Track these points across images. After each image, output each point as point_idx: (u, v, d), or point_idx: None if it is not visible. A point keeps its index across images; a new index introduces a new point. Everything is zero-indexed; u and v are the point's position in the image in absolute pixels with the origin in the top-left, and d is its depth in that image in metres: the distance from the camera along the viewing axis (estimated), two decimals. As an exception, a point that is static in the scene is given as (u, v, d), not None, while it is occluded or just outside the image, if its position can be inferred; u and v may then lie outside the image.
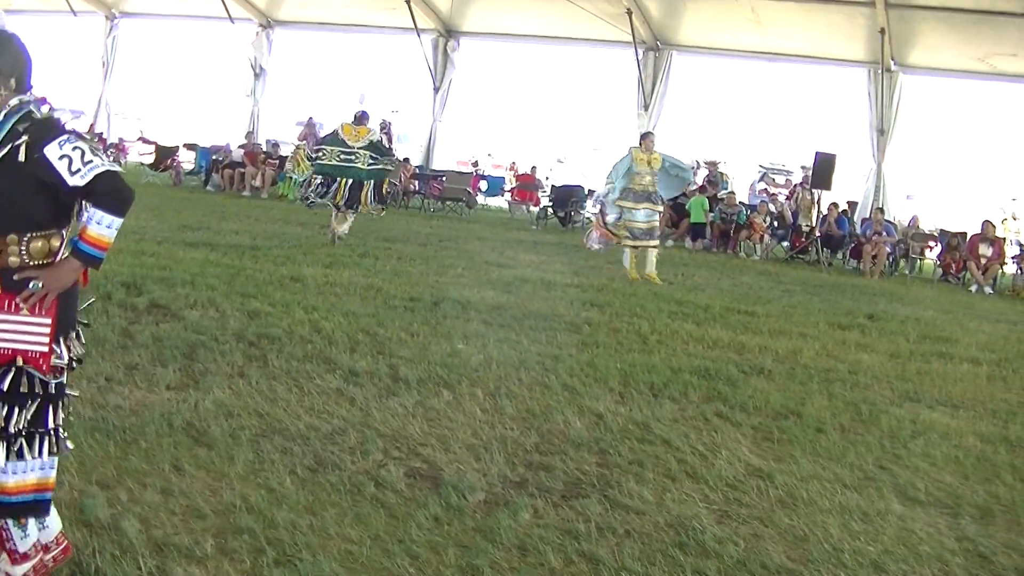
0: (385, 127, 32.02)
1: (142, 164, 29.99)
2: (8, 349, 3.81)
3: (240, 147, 28.87)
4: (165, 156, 29.28)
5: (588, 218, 17.15)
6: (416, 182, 28.00)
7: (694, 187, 25.32)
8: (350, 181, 15.93)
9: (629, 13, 26.11)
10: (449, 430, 6.48)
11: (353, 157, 16.05)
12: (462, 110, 32.63)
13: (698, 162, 29.16)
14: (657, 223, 15.85)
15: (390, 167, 17.02)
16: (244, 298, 10.27)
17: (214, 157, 28.66)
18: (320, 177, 16.10)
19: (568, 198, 26.26)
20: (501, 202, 31.49)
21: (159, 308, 9.47)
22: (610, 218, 15.47)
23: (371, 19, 31.63)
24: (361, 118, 16.69)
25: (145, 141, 32.72)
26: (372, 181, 16.14)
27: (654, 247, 15.54)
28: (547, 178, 32.43)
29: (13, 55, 3.87)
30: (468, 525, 5.00)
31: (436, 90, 30.62)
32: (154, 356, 7.69)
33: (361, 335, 8.99)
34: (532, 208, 28.32)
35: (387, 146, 17.17)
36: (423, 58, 30.50)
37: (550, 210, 26.47)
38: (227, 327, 8.86)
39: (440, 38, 30.46)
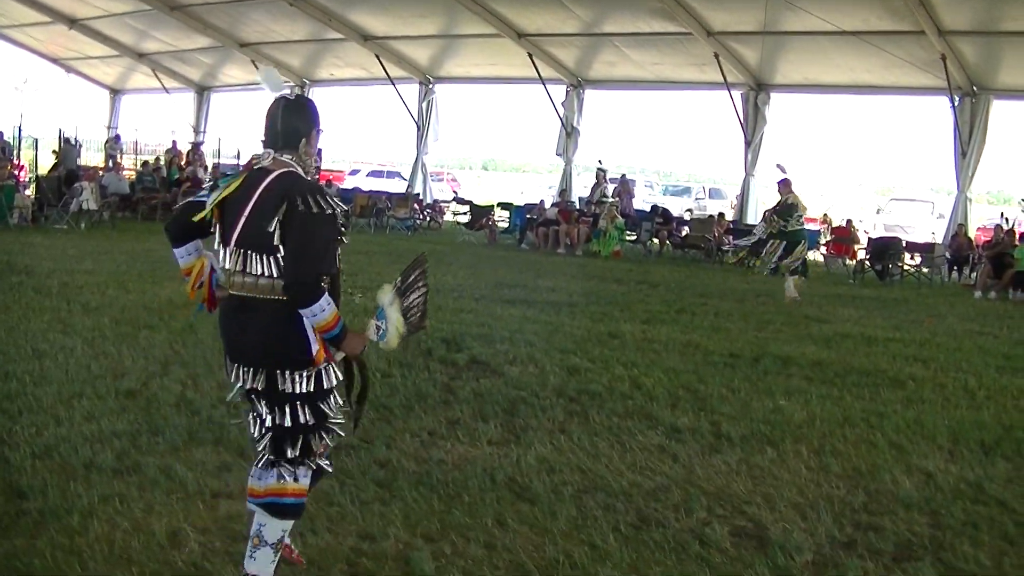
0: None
1: (458, 223, 30.94)
2: None
3: (554, 205, 29.37)
4: (480, 216, 30.16)
5: None
6: (731, 237, 27.78)
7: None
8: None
9: (943, 59, 25.22)
10: (774, 488, 6.44)
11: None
12: (773, 163, 32.22)
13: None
14: None
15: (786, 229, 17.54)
16: (563, 354, 10.47)
17: (528, 216, 29.27)
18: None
19: (885, 251, 25.52)
20: (816, 256, 30.91)
21: (479, 364, 9.79)
22: None
23: (680, 75, 31.68)
24: (780, 185, 17.48)
25: (460, 201, 33.71)
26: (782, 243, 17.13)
27: None
28: (864, 230, 31.58)
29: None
30: (797, 586, 4.96)
31: (748, 144, 30.32)
32: (475, 411, 7.95)
33: (682, 391, 9.03)
34: (849, 261, 27.60)
35: (788, 206, 17.64)
36: (734, 113, 30.32)
37: (867, 263, 25.77)
38: (547, 383, 9.05)
39: (750, 92, 30.20)
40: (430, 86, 35.73)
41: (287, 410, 4.33)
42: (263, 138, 4.45)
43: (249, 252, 4.25)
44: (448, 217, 34.84)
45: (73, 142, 33.86)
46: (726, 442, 7.45)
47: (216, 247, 4.42)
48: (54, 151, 33.20)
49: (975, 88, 26.93)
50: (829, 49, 27.11)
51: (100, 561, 4.69)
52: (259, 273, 4.24)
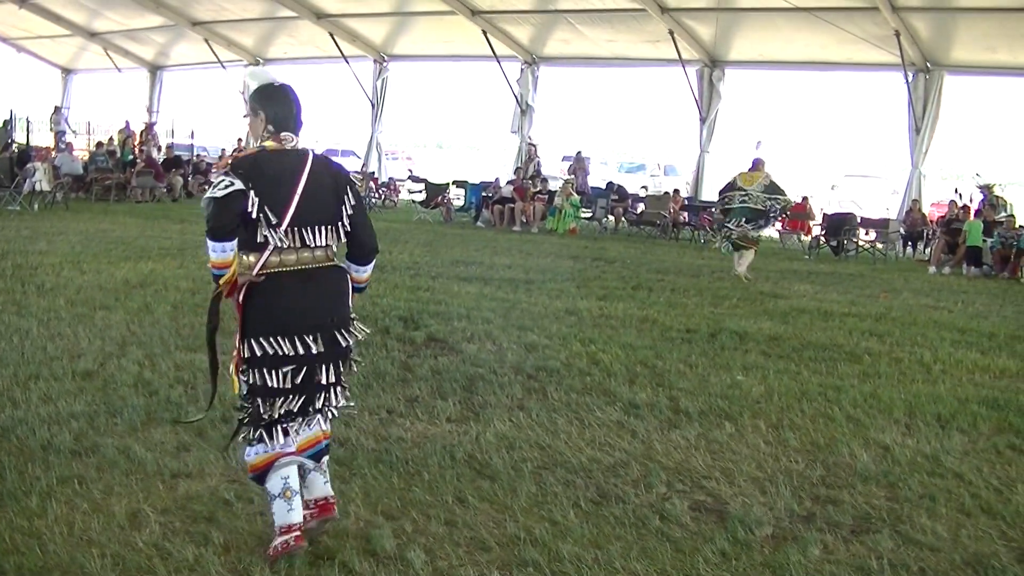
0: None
1: (413, 202, 30.84)
2: None
3: (509, 183, 29.33)
4: (435, 193, 30.05)
5: None
6: (686, 213, 27.88)
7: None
8: (743, 219, 16.59)
9: (897, 34, 25.34)
10: (733, 463, 6.48)
11: (747, 199, 16.68)
12: (730, 139, 32.23)
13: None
14: None
15: (782, 202, 17.28)
16: (521, 331, 10.48)
17: (484, 193, 29.25)
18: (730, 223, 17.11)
19: (840, 226, 25.65)
20: (771, 231, 31.01)
21: (437, 342, 9.79)
22: None
23: (635, 52, 31.68)
24: (756, 164, 17.13)
25: (415, 179, 33.64)
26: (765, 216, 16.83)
27: None
28: (819, 207, 31.70)
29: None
30: (756, 560, 4.98)
31: (703, 121, 30.42)
32: (434, 389, 7.96)
33: (639, 367, 9.06)
34: (804, 237, 27.74)
35: (779, 186, 17.32)
36: (688, 90, 30.40)
37: (822, 239, 25.91)
38: (505, 360, 9.06)
39: (705, 68, 30.26)
40: (384, 64, 35.63)
41: (345, 362, 4.83)
42: (270, 126, 4.62)
43: (307, 227, 4.55)
44: (403, 195, 34.70)
45: (7, 122, 33.75)
46: (684, 417, 7.49)
47: (263, 230, 4.50)
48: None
49: (928, 64, 27.12)
50: (783, 25, 27.19)
51: (60, 543, 4.66)
52: (319, 245, 4.60)
